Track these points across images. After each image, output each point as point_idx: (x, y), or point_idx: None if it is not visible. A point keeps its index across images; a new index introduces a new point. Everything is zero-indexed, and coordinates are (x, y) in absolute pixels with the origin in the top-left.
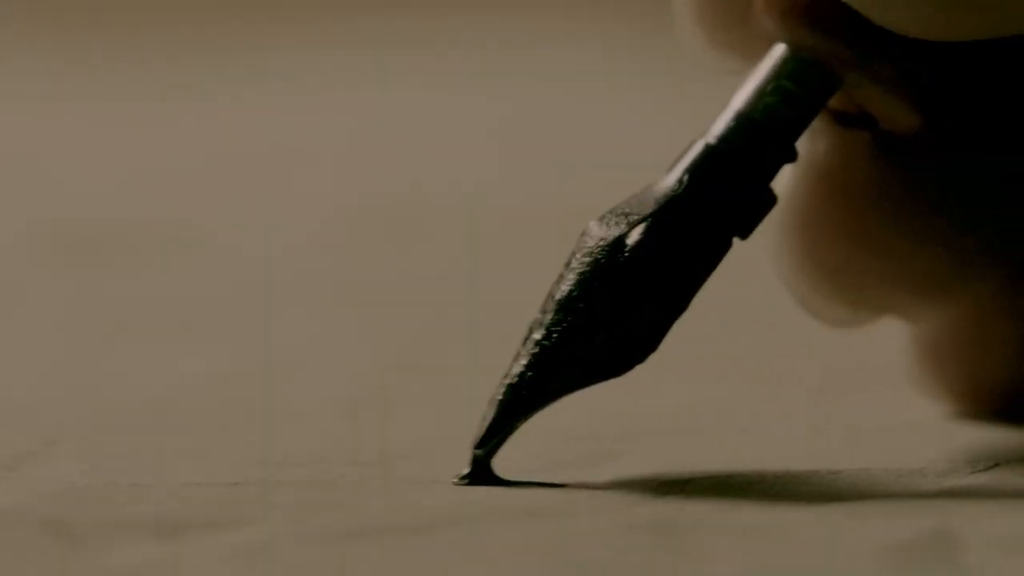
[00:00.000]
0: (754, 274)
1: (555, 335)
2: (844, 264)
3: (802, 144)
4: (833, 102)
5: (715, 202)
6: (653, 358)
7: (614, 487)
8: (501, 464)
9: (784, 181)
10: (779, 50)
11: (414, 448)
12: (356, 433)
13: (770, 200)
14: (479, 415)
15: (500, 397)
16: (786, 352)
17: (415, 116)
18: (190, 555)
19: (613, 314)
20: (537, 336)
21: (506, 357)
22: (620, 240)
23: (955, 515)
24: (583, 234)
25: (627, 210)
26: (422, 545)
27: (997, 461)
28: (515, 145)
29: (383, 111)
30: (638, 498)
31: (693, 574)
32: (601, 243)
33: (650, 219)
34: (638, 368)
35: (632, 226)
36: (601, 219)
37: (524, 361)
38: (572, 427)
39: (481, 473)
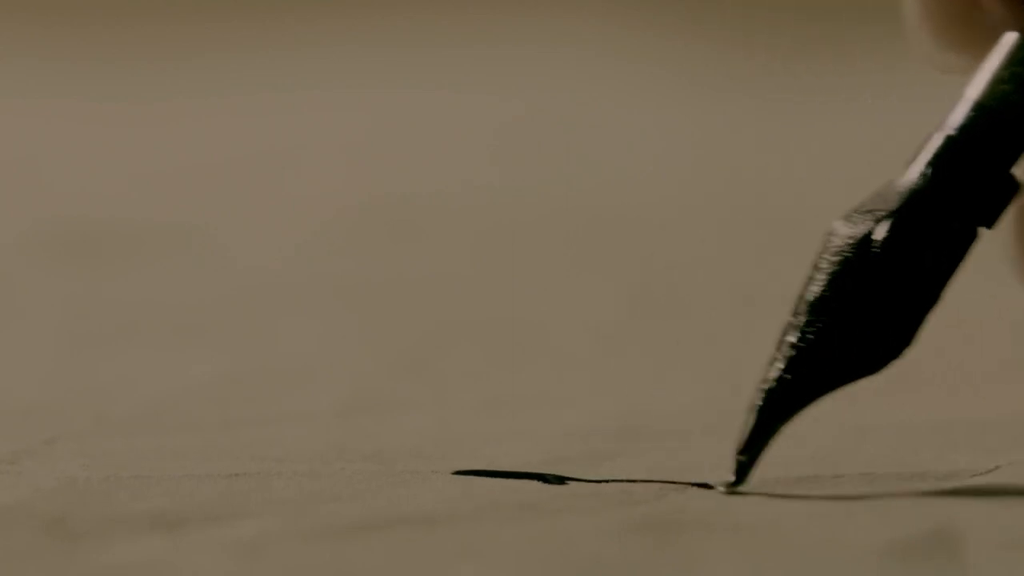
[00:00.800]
0: (758, 274)
1: (809, 336)
2: None
3: None
4: None
5: (959, 193)
6: (652, 358)
7: (615, 485)
8: (508, 462)
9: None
10: (1010, 38)
11: (414, 445)
12: (356, 431)
13: (1013, 187)
14: (478, 415)
15: (759, 403)
16: None
17: (419, 116)
18: (190, 550)
19: (866, 311)
20: (792, 339)
21: (510, 357)
22: (868, 237)
23: (956, 516)
24: (829, 234)
25: (872, 207)
26: (421, 542)
27: (998, 463)
28: (520, 145)
29: (387, 111)
30: (639, 497)
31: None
32: (849, 241)
33: (896, 214)
34: (634, 367)
35: (878, 222)
36: (846, 218)
37: (780, 365)
38: (574, 425)
39: (745, 479)
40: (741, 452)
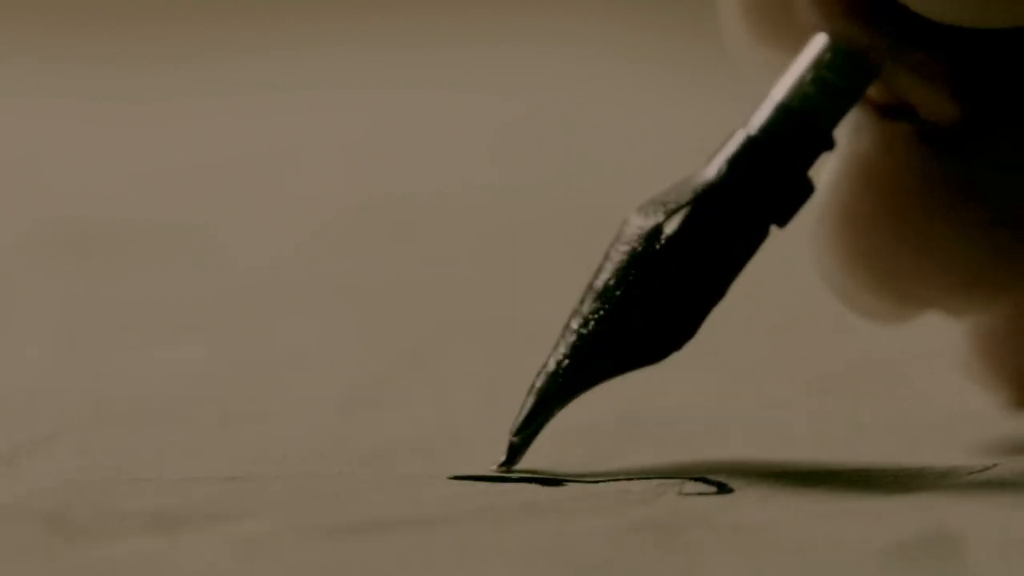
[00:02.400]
0: (753, 271)
1: (592, 323)
2: (885, 256)
3: (845, 138)
4: (876, 94)
5: (753, 190)
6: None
7: (614, 485)
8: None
9: (827, 174)
10: (819, 41)
11: (413, 445)
12: (355, 431)
13: (808, 189)
14: (478, 415)
15: (538, 385)
16: (785, 350)
17: (419, 116)
18: (188, 549)
19: (650, 302)
20: (574, 325)
21: (510, 357)
22: (658, 228)
23: (955, 515)
24: (623, 224)
25: (665, 199)
26: (420, 544)
27: (996, 461)
28: (520, 145)
29: (387, 111)
30: (637, 496)
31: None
32: (638, 231)
33: (688, 207)
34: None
35: (669, 215)
36: (640, 209)
37: (562, 350)
38: (572, 424)
39: (517, 460)
40: (516, 434)
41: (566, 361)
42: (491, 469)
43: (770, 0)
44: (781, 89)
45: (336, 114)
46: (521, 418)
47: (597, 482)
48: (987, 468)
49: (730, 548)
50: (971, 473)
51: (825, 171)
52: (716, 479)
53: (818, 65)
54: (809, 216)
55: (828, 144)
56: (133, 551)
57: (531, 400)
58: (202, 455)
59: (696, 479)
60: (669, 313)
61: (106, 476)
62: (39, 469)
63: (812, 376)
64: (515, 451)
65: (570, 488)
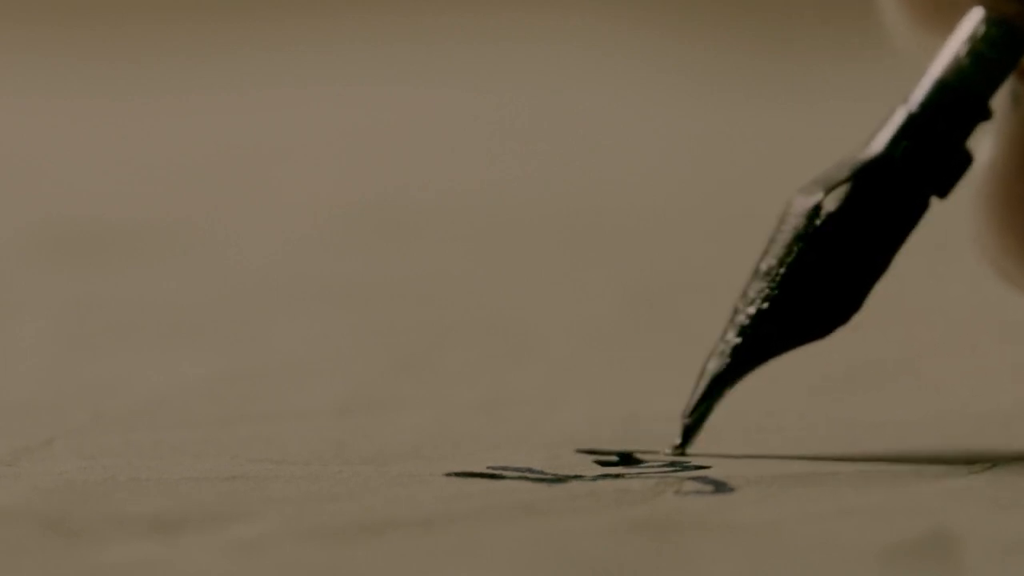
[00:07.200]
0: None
1: (759, 303)
2: None
3: (1004, 113)
4: None
5: (912, 163)
6: (652, 360)
7: (612, 483)
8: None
9: (986, 150)
10: (973, 16)
11: (411, 447)
12: (353, 432)
13: (966, 159)
14: (479, 415)
15: (709, 367)
16: None
17: (416, 114)
18: (188, 551)
19: (813, 278)
20: (741, 306)
21: (509, 357)
22: (817, 206)
23: (953, 515)
24: (785, 205)
25: (826, 178)
26: (420, 543)
27: (995, 461)
28: (517, 144)
29: (384, 109)
30: (636, 497)
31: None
32: (801, 211)
33: (848, 183)
34: (633, 369)
35: (829, 191)
36: (801, 189)
37: (731, 332)
38: (572, 427)
39: (691, 441)
40: (689, 415)
41: (735, 341)
42: (665, 452)
43: None
44: (938, 65)
45: (335, 113)
46: (694, 400)
47: (596, 479)
48: (986, 468)
49: (729, 548)
50: (970, 473)
51: (983, 147)
52: (715, 478)
53: (973, 39)
54: (968, 194)
55: (985, 114)
56: (132, 554)
57: (703, 382)
58: (201, 456)
59: (695, 479)
60: (833, 288)
61: (105, 477)
62: (39, 471)
63: (811, 377)
64: (689, 432)
65: (569, 486)
